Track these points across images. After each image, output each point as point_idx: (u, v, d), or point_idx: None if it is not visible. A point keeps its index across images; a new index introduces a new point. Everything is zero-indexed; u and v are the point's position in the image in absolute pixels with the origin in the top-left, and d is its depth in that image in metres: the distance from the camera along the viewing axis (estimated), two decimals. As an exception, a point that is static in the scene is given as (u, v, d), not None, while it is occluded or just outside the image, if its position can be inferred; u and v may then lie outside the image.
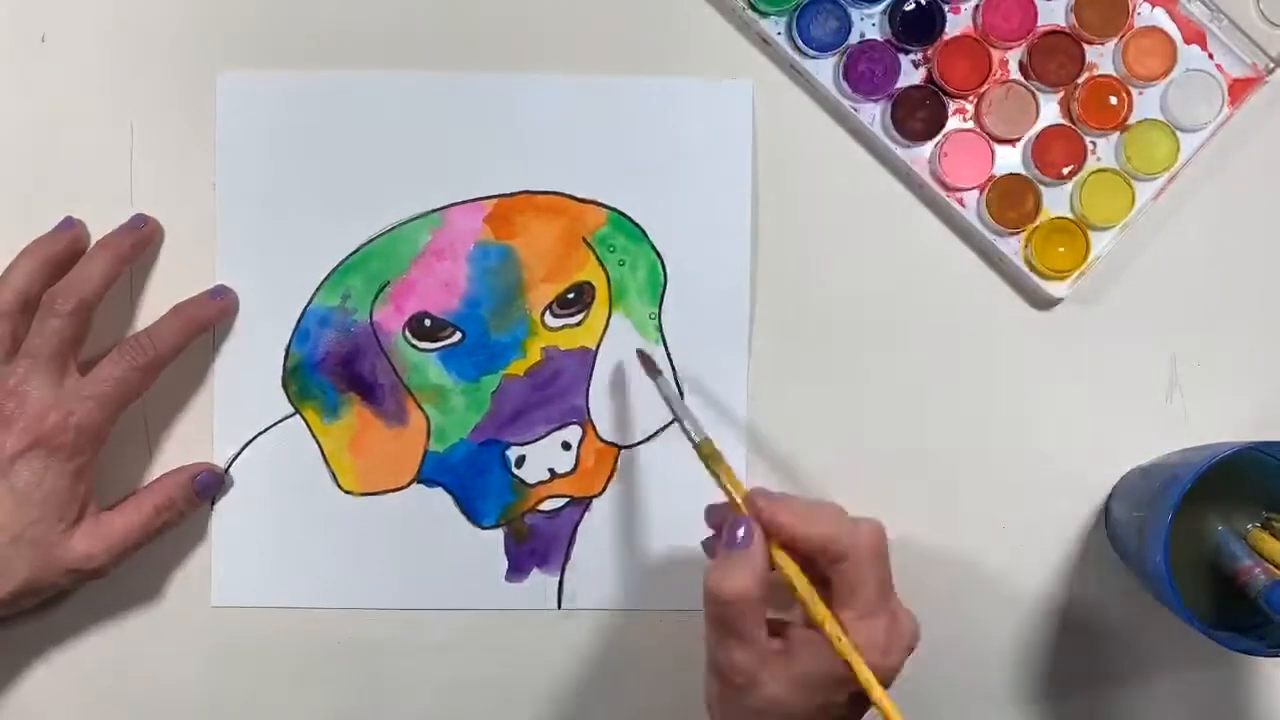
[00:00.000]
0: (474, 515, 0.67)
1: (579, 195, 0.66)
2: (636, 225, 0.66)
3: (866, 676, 0.52)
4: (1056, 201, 0.67)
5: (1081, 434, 0.68)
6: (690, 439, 0.58)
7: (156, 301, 0.66)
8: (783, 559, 0.54)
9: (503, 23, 0.67)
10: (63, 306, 0.62)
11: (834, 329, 0.68)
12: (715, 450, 0.57)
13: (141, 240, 0.65)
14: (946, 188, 0.67)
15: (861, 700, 0.54)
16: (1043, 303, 0.68)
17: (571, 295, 0.66)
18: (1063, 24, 0.67)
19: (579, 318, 0.67)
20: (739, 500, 0.55)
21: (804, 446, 0.68)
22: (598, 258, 0.66)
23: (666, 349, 0.67)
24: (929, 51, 0.67)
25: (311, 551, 0.67)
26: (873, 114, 0.67)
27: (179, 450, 0.67)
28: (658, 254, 0.66)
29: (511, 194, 0.66)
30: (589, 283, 0.66)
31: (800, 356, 0.68)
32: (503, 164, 0.66)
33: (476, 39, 0.67)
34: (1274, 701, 0.69)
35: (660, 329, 0.67)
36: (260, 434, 0.67)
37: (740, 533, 0.54)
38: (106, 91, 0.67)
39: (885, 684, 0.54)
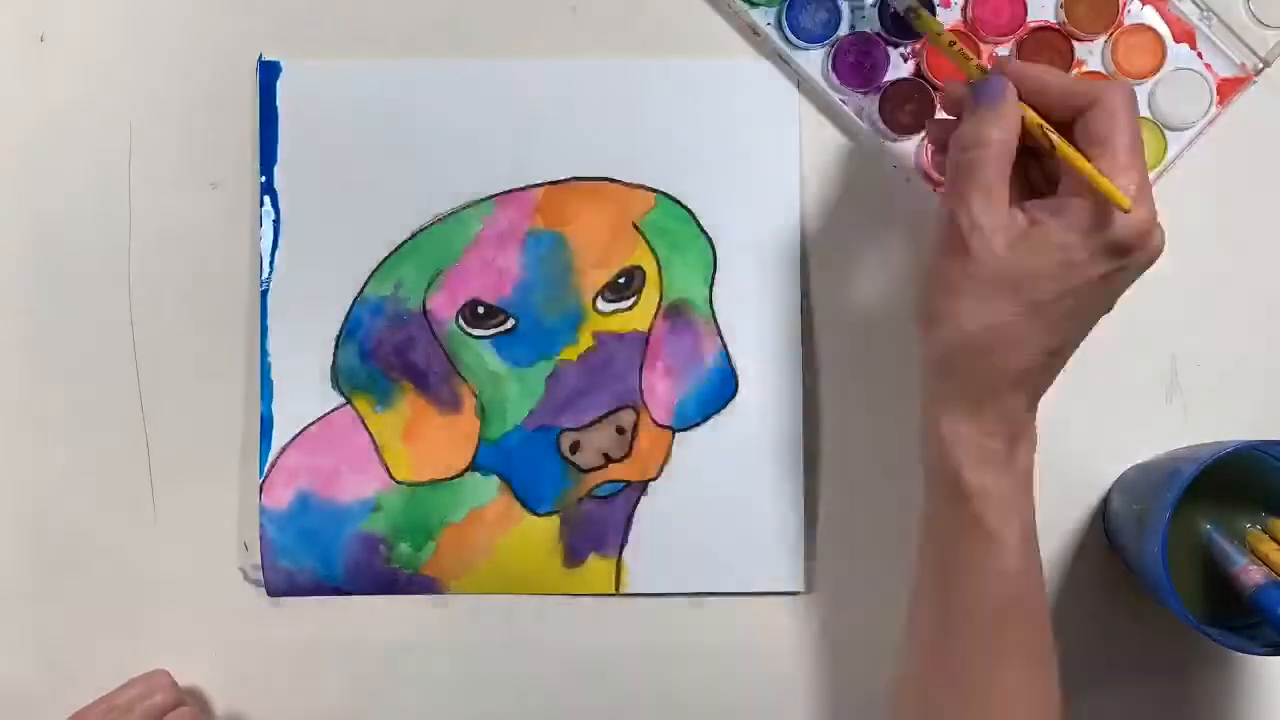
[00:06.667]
0: (529, 502, 0.67)
1: (627, 180, 0.67)
2: (685, 208, 0.67)
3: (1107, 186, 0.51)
4: (1044, 197, 0.68)
5: (1078, 433, 0.69)
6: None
7: (161, 300, 0.67)
8: (1029, 112, 0.53)
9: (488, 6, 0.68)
10: None
11: (826, 327, 0.68)
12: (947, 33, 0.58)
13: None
14: (934, 182, 0.67)
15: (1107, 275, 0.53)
16: (1030, 298, 0.69)
17: (622, 280, 0.67)
18: (1052, 20, 0.67)
19: (630, 302, 0.67)
20: (986, 65, 0.55)
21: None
22: (647, 242, 0.67)
23: (719, 331, 0.67)
24: (918, 45, 0.67)
25: (366, 542, 0.67)
26: (861, 106, 0.67)
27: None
28: (707, 236, 0.67)
29: (560, 181, 0.67)
30: (639, 267, 0.67)
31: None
32: (551, 151, 0.67)
33: (495, 24, 0.68)
34: (1268, 700, 0.70)
35: (713, 311, 0.67)
36: (311, 424, 0.66)
37: (993, 87, 0.53)
38: (107, 91, 0.67)
39: (1138, 244, 0.52)
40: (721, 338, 0.67)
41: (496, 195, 0.67)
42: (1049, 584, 0.67)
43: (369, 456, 0.66)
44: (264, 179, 0.67)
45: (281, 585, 0.66)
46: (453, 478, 0.67)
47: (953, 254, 0.53)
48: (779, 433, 0.67)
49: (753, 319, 0.67)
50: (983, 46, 0.67)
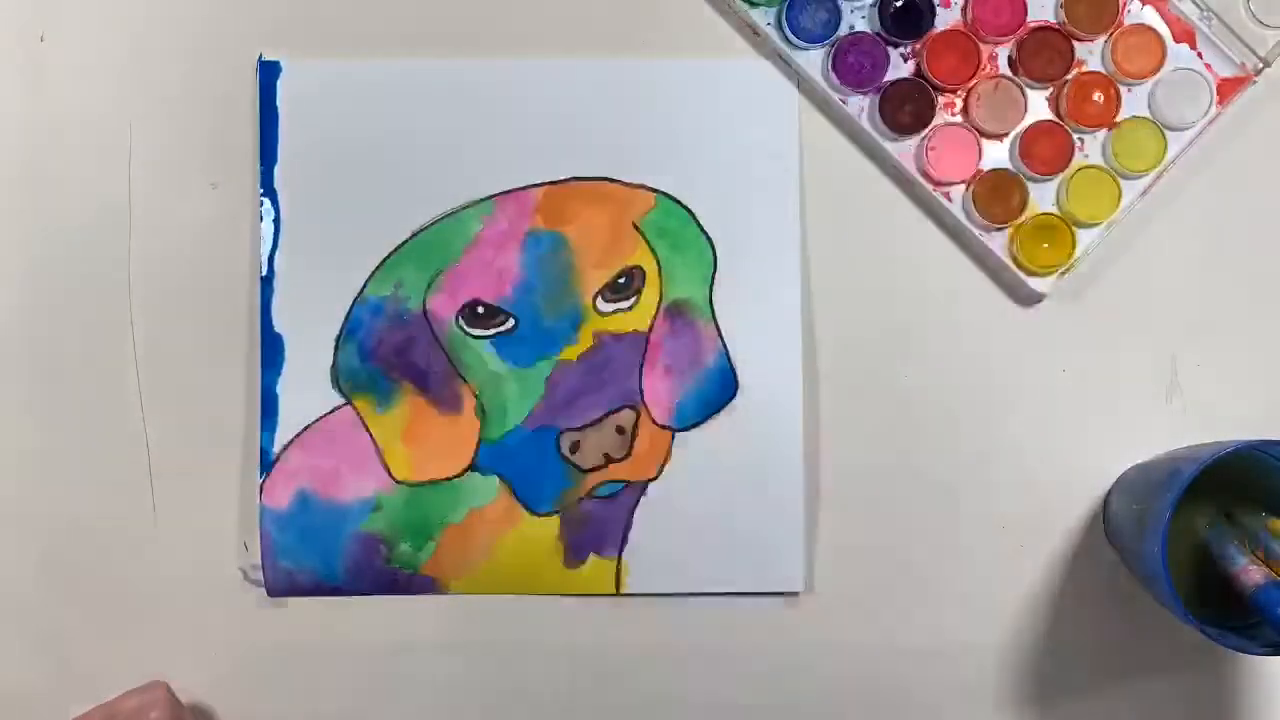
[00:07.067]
0: (529, 502, 0.67)
1: (627, 180, 0.67)
2: (685, 208, 0.67)
3: None
4: (1043, 198, 0.67)
5: (1078, 433, 0.69)
6: None
7: (161, 300, 0.67)
8: None
9: (488, 5, 0.68)
10: None
11: (826, 327, 0.68)
12: None
13: None
14: (933, 182, 0.67)
15: None
16: (1027, 299, 0.69)
17: (622, 280, 0.67)
18: (1052, 20, 0.67)
19: (630, 302, 0.67)
20: None
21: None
22: (647, 242, 0.67)
23: (719, 331, 0.67)
24: (918, 45, 0.67)
25: (366, 542, 0.67)
26: (860, 106, 0.67)
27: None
28: (707, 236, 0.67)
29: (560, 181, 0.67)
30: (639, 267, 0.67)
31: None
32: (551, 151, 0.67)
33: (495, 24, 0.68)
34: (1268, 700, 0.69)
35: (713, 311, 0.67)
36: (311, 424, 0.66)
37: None
38: (107, 91, 0.67)
39: None
40: (721, 338, 0.67)
41: (496, 195, 0.67)
42: (1050, 584, 0.68)
43: (369, 456, 0.66)
44: (264, 179, 0.67)
45: (281, 585, 0.66)
46: (453, 478, 0.67)
47: None
48: (779, 433, 0.67)
49: (753, 319, 0.67)
50: (983, 47, 0.67)
